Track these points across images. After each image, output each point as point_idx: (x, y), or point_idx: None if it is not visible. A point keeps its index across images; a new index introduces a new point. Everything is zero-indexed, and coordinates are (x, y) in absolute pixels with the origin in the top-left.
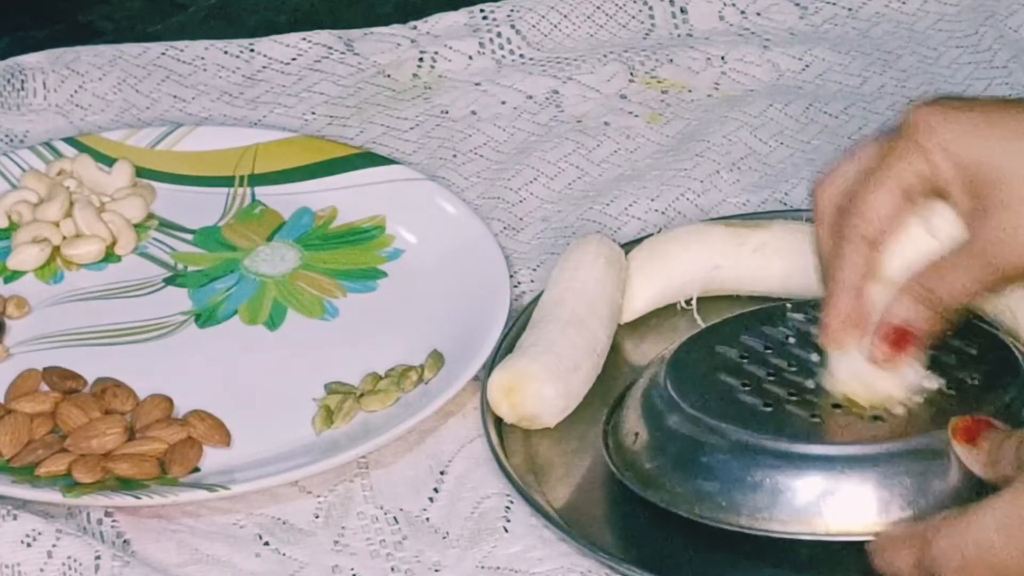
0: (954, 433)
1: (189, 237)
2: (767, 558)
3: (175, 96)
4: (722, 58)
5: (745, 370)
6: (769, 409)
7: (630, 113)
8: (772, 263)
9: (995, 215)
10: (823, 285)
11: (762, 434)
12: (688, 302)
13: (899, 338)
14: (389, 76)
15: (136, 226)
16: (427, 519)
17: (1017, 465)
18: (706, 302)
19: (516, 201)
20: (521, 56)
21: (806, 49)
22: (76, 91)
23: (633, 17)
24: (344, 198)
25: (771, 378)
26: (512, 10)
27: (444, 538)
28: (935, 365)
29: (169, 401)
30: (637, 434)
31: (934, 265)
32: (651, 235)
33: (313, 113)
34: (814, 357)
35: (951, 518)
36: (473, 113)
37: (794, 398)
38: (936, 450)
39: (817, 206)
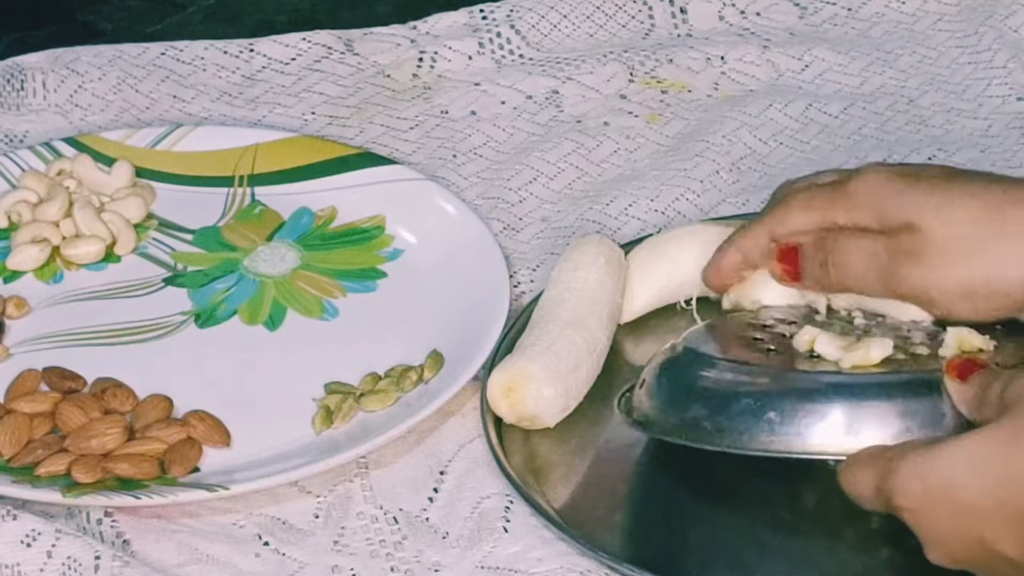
0: (948, 369)
1: (189, 237)
2: (765, 560)
3: (175, 96)
4: (722, 58)
5: (763, 330)
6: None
7: (630, 113)
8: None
9: (918, 259)
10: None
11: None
12: (688, 302)
13: (792, 268)
14: (389, 76)
15: (136, 226)
16: (427, 519)
17: (1000, 407)
18: (706, 302)
19: (516, 201)
20: (521, 56)
21: (806, 49)
22: (76, 91)
23: (633, 17)
24: (344, 198)
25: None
26: (512, 10)
27: (444, 538)
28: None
29: (169, 401)
30: (644, 380)
31: (849, 241)
32: (651, 235)
33: (313, 113)
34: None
35: (919, 446)
36: (473, 113)
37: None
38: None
39: (777, 191)
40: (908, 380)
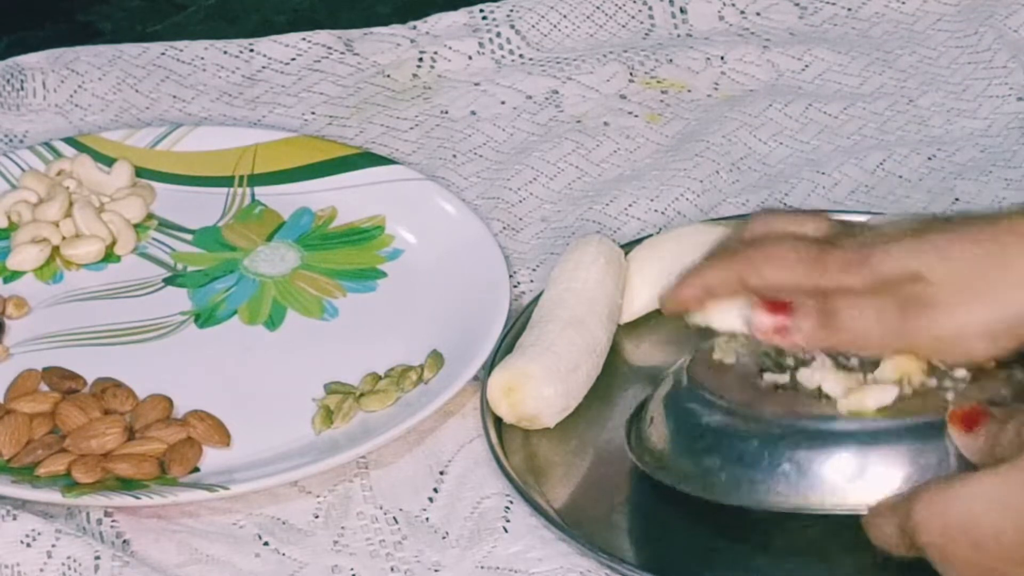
0: (952, 420)
1: (189, 237)
2: (766, 558)
3: (175, 96)
4: (722, 58)
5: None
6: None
7: (630, 113)
8: None
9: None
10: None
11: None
12: None
13: (778, 312)
14: (389, 76)
15: (136, 226)
16: (427, 519)
17: (1018, 446)
18: None
19: (516, 201)
20: (521, 56)
21: (806, 49)
22: (76, 91)
23: (633, 17)
24: (344, 198)
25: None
26: (512, 10)
27: (444, 538)
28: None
29: (169, 401)
30: (652, 418)
31: (851, 296)
32: (651, 235)
33: (313, 113)
34: None
35: (937, 485)
36: (473, 113)
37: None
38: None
39: (751, 220)
40: (919, 424)
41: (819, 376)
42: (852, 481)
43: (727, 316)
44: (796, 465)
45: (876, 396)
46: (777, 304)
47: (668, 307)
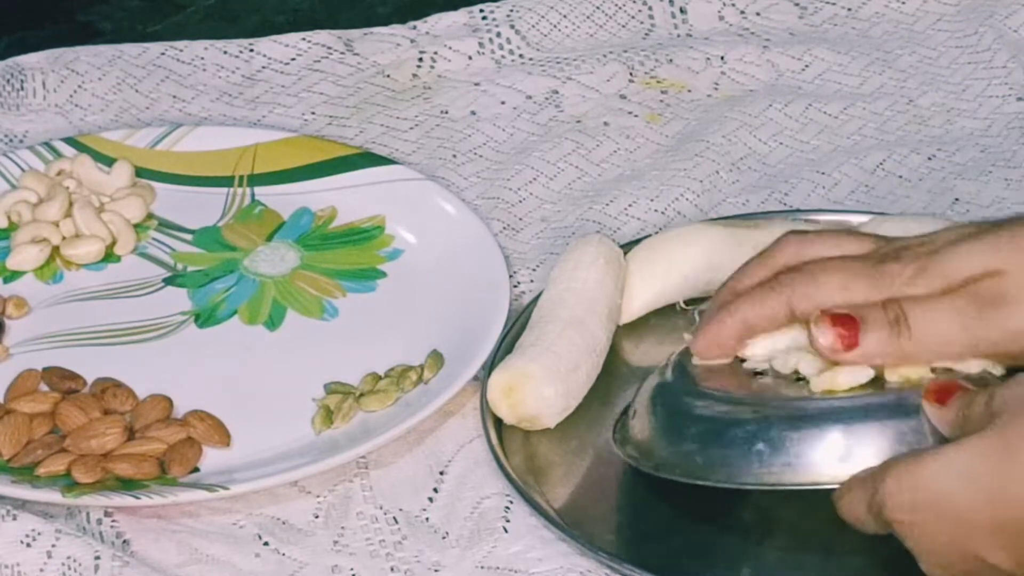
0: (926, 394)
1: (189, 237)
2: (766, 558)
3: (175, 96)
4: (722, 58)
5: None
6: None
7: (630, 113)
8: None
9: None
10: (718, 292)
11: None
12: (688, 302)
13: (848, 334)
14: (389, 76)
15: (136, 226)
16: (427, 519)
17: (986, 417)
18: (706, 302)
19: (516, 201)
20: (521, 56)
21: (806, 49)
22: (75, 91)
23: (633, 17)
24: (344, 198)
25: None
26: (512, 10)
27: (444, 538)
28: None
29: (168, 401)
30: (635, 411)
31: (923, 301)
32: (651, 235)
33: (313, 113)
34: None
35: (905, 459)
36: (472, 113)
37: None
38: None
39: (778, 247)
40: (894, 401)
41: (795, 359)
42: (827, 458)
43: (765, 348)
44: (770, 444)
45: (849, 375)
46: (842, 317)
47: (704, 351)
